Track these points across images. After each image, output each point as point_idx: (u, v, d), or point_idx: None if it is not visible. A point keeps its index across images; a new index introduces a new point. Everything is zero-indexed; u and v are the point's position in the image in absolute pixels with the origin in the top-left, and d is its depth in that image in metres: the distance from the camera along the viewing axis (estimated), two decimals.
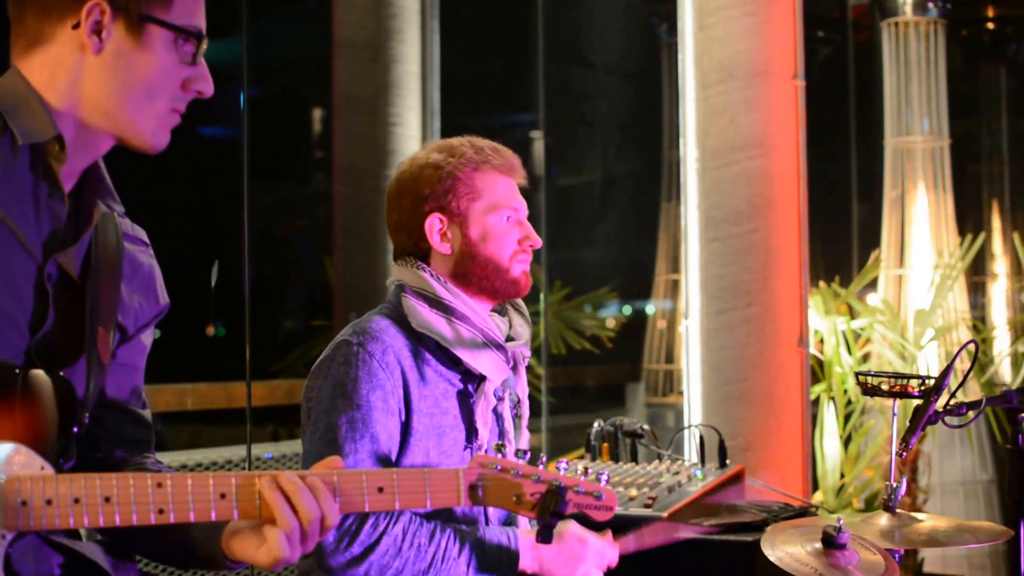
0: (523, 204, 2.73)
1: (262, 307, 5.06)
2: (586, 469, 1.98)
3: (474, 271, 2.68)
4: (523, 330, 2.79)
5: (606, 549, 2.62)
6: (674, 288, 7.11)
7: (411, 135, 5.57)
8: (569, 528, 2.62)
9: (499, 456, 1.93)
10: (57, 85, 1.88)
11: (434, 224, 2.70)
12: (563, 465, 1.96)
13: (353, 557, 2.48)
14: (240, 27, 4.60)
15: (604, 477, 1.98)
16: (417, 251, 2.73)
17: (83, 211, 1.94)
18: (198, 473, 1.82)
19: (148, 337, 2.11)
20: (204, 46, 1.93)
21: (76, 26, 1.85)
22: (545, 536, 1.94)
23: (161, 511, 1.78)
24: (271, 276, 6.41)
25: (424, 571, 2.50)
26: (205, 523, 1.86)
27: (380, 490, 1.85)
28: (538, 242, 2.72)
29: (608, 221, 7.98)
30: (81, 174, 1.95)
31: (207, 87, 1.95)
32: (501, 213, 2.68)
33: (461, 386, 2.67)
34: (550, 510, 1.91)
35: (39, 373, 1.82)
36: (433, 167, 2.69)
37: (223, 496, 1.80)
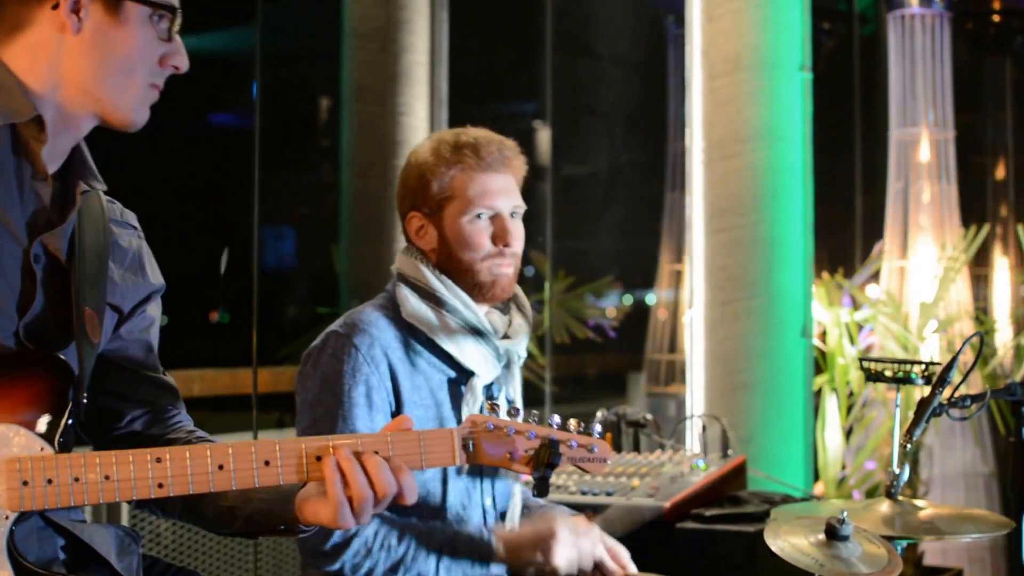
0: (506, 200, 2.69)
1: (268, 294, 5.07)
2: (579, 423, 1.99)
3: (451, 269, 2.69)
4: (522, 329, 2.78)
5: (584, 534, 2.60)
6: (677, 278, 7.12)
7: (419, 125, 5.58)
8: (549, 512, 2.63)
9: (492, 415, 1.95)
10: (38, 68, 1.91)
11: (412, 221, 2.72)
12: (555, 420, 1.97)
13: (325, 554, 2.53)
14: (252, 17, 4.61)
15: (596, 429, 1.99)
16: (412, 242, 2.76)
17: (68, 192, 1.97)
18: (196, 446, 1.85)
19: (154, 309, 2.15)
20: (178, 22, 1.97)
21: (55, 7, 1.89)
22: (541, 489, 1.96)
23: (160, 485, 1.81)
24: (277, 263, 6.42)
25: (395, 568, 2.54)
26: (277, 492, 1.93)
27: (376, 454, 1.87)
28: (511, 241, 2.68)
29: (613, 211, 7.99)
30: (66, 157, 1.98)
31: (182, 62, 1.98)
32: (471, 213, 2.66)
33: (453, 375, 2.69)
34: (544, 464, 1.93)
35: (35, 354, 1.85)
36: (415, 167, 2.71)
37: (220, 467, 1.84)
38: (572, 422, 1.98)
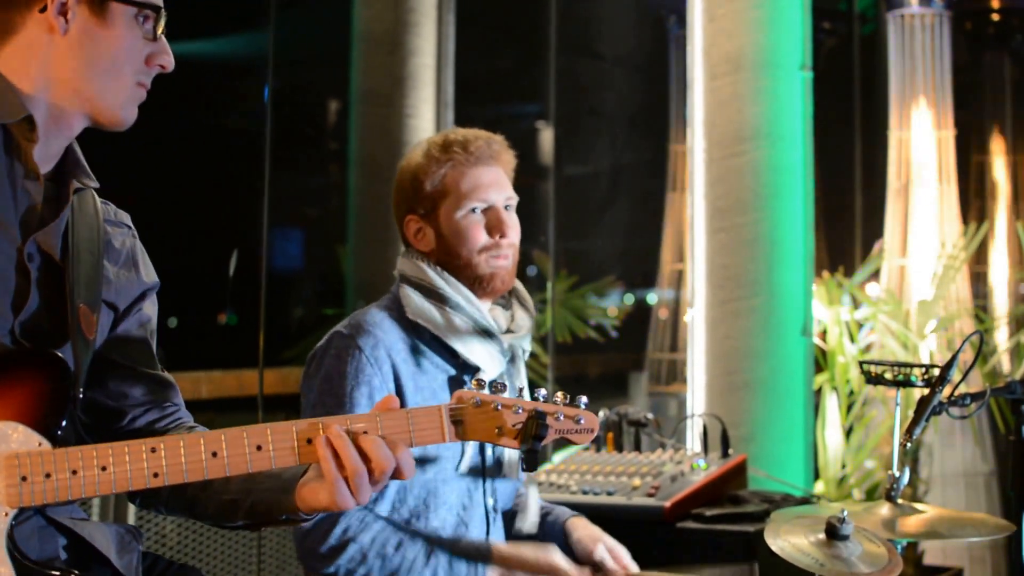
0: (498, 192, 2.73)
1: (275, 295, 5.08)
2: (565, 395, 2.00)
3: (451, 267, 2.72)
4: (524, 323, 2.81)
5: None
6: (679, 277, 7.13)
7: (425, 126, 5.59)
8: (548, 552, 2.65)
9: (479, 391, 1.95)
10: (28, 70, 1.94)
11: (410, 225, 2.76)
12: (542, 393, 1.98)
13: (322, 556, 2.54)
14: (264, 22, 4.62)
15: (583, 401, 2.01)
16: (411, 246, 2.79)
17: (61, 192, 2.00)
18: (189, 434, 1.86)
19: (149, 307, 2.16)
20: (163, 22, 2.00)
21: (43, 10, 1.93)
22: (530, 463, 1.96)
23: (156, 475, 1.83)
24: (284, 265, 6.43)
25: None
26: (278, 482, 1.93)
27: (365, 433, 1.89)
28: (507, 232, 2.72)
29: (614, 211, 8.00)
30: (60, 156, 2.01)
31: (168, 61, 2.02)
32: (465, 207, 2.70)
33: (456, 374, 2.71)
34: (532, 436, 1.94)
35: (31, 352, 1.87)
36: (408, 171, 2.76)
37: (214, 455, 1.85)
38: (559, 395, 1.99)
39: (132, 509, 3.93)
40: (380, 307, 2.73)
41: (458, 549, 2.62)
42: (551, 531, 2.87)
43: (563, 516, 2.89)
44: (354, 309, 2.86)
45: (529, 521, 2.81)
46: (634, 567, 2.77)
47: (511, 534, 2.84)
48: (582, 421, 1.99)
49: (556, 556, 2.62)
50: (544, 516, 2.89)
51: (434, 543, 2.61)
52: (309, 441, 1.87)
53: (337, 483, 1.85)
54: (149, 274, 2.16)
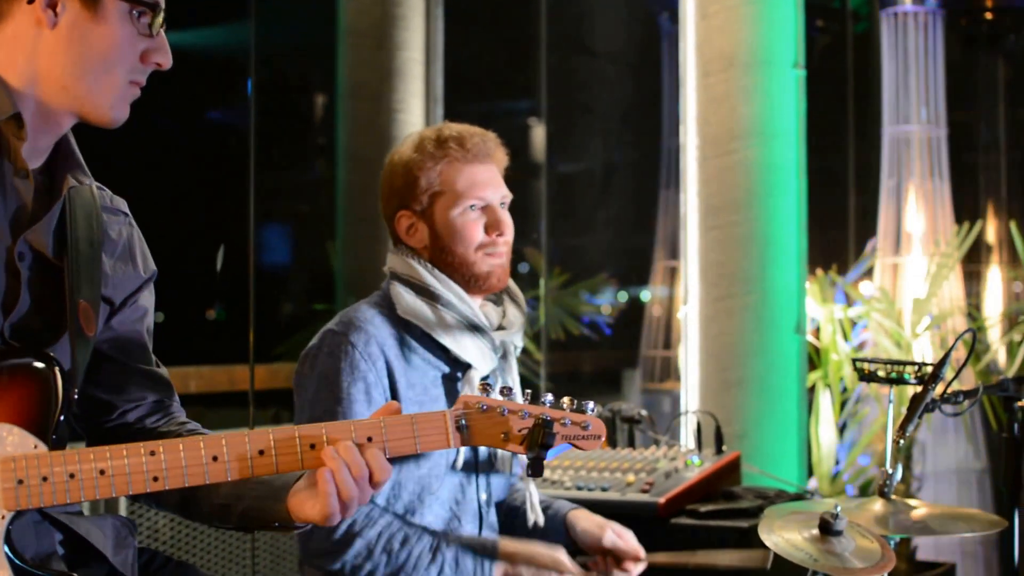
0: (495, 191, 2.71)
1: (264, 291, 5.08)
2: (572, 400, 1.98)
3: (444, 264, 2.71)
4: (516, 319, 2.80)
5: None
6: (672, 275, 7.14)
7: (414, 121, 5.59)
8: (554, 550, 2.64)
9: (484, 396, 1.94)
10: (15, 64, 1.88)
11: (402, 221, 2.73)
12: (548, 398, 1.97)
13: (327, 552, 2.53)
14: (246, 14, 4.61)
15: (590, 406, 1.99)
16: (402, 242, 2.77)
17: (54, 186, 1.95)
18: (189, 438, 1.84)
19: (146, 299, 2.12)
20: (161, 17, 1.94)
21: (31, 1, 1.86)
22: (536, 469, 1.95)
23: (155, 479, 1.81)
24: (273, 260, 6.43)
25: (395, 574, 2.54)
26: (269, 489, 1.91)
27: (369, 439, 1.87)
28: (504, 230, 2.71)
29: (607, 208, 7.99)
30: (50, 151, 1.96)
31: (165, 58, 1.95)
32: (462, 205, 2.68)
33: (448, 370, 2.70)
34: (538, 443, 1.92)
35: (24, 352, 1.84)
36: (400, 165, 2.73)
37: (215, 459, 1.83)
38: (565, 400, 1.97)
39: (123, 502, 3.91)
40: (370, 304, 2.71)
41: (465, 544, 2.60)
42: (552, 525, 2.86)
43: (564, 509, 2.88)
44: (344, 304, 2.85)
45: (535, 516, 2.80)
46: (642, 551, 2.77)
47: (507, 528, 2.83)
48: (589, 427, 1.97)
49: (562, 555, 2.61)
50: (544, 510, 2.89)
51: (440, 538, 2.59)
52: (313, 447, 1.85)
53: (330, 499, 1.83)
54: (147, 266, 2.12)
